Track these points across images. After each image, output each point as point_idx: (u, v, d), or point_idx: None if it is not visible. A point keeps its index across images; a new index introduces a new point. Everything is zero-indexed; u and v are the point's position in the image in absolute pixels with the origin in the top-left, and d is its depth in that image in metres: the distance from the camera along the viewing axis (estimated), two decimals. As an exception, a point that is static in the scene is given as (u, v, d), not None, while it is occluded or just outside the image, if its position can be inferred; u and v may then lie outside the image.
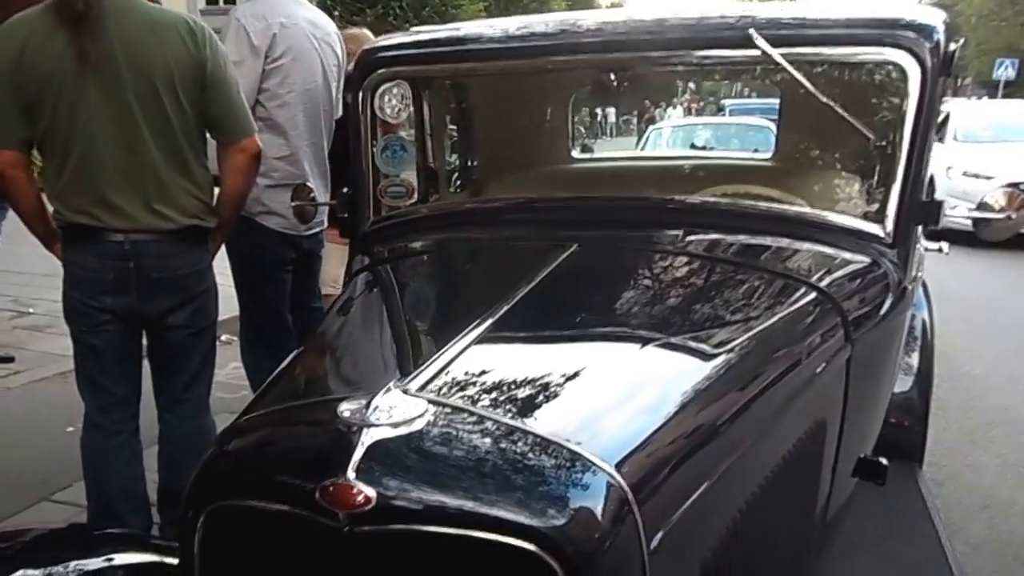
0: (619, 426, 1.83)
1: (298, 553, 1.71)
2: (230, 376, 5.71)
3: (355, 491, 1.58)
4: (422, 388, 1.78)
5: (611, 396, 1.94)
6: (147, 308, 3.48)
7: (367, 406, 1.69)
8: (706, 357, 2.19)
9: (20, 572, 2.14)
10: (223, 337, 5.44)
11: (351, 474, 1.59)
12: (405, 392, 1.74)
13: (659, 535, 1.71)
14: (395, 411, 1.68)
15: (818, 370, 2.43)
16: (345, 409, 1.71)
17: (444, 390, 1.80)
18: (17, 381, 6.32)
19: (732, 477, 2.01)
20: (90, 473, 3.69)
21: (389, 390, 1.73)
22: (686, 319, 2.43)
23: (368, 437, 1.63)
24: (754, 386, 2.19)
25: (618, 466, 1.67)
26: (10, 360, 6.67)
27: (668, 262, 2.77)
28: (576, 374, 1.97)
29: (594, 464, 1.65)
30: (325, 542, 1.63)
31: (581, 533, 1.59)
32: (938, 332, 4.38)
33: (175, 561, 2.04)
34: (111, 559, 2.26)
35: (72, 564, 2.19)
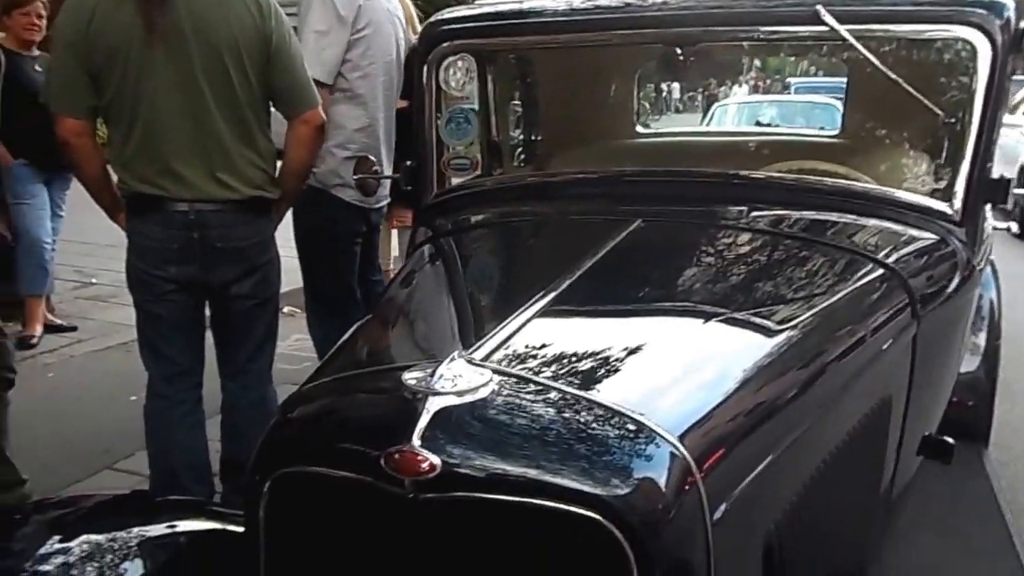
0: (683, 398, 1.83)
1: (363, 520, 1.72)
2: (292, 348, 5.75)
3: (420, 458, 1.58)
4: (486, 357, 1.78)
5: (674, 369, 1.94)
6: (210, 278, 3.50)
7: (432, 374, 1.69)
8: (770, 333, 2.18)
9: (83, 537, 2.16)
10: (285, 309, 5.46)
11: (416, 441, 1.59)
12: (470, 361, 1.74)
13: (723, 507, 1.71)
14: (460, 380, 1.68)
15: (884, 347, 2.42)
16: (410, 377, 1.72)
17: (508, 360, 1.80)
18: (80, 351, 6.41)
19: (796, 452, 2.01)
20: (153, 442, 3.73)
21: (454, 359, 1.73)
22: (750, 295, 2.41)
23: (433, 405, 1.64)
24: (818, 362, 2.18)
25: (682, 437, 1.67)
26: (73, 329, 6.76)
27: (733, 238, 2.76)
28: (639, 347, 1.97)
29: (658, 435, 1.65)
30: (390, 509, 1.64)
31: (645, 503, 1.60)
32: (1006, 314, 4.31)
33: (238, 529, 2.06)
34: (174, 526, 2.28)
35: (135, 530, 2.21)
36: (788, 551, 1.98)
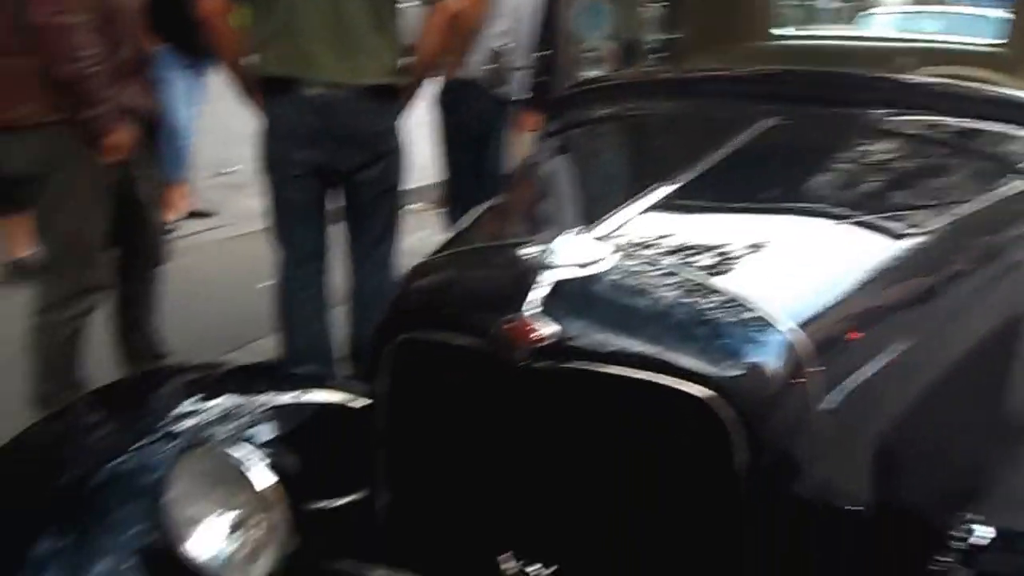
0: (803, 292, 1.83)
1: (478, 389, 1.76)
2: (420, 244, 5.80)
3: (535, 327, 1.61)
4: (606, 236, 1.79)
5: (797, 264, 1.93)
6: (339, 163, 3.57)
7: (551, 247, 1.70)
8: (898, 237, 2.16)
9: (217, 400, 2.25)
10: (415, 205, 5.50)
11: (531, 311, 1.62)
12: (589, 237, 1.75)
13: (833, 400, 1.72)
14: (579, 254, 1.69)
15: (1019, 261, 2.35)
16: (530, 249, 1.74)
17: (628, 240, 1.81)
18: (216, 237, 6.57)
19: (914, 358, 1.98)
20: (281, 324, 3.86)
21: (573, 233, 1.74)
22: (884, 198, 2.37)
23: (550, 276, 1.65)
24: (946, 271, 2.15)
25: (798, 327, 1.67)
26: (210, 216, 6.93)
27: (871, 140, 2.67)
28: (761, 240, 1.96)
29: (774, 323, 1.66)
30: (504, 378, 1.68)
31: (757, 387, 1.62)
32: None
33: (359, 405, 2.11)
34: (302, 394, 2.36)
35: (265, 397, 2.28)
36: (899, 457, 1.97)
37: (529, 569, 1.73)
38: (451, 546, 1.82)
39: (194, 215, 6.86)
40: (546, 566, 1.71)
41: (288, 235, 3.75)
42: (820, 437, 1.71)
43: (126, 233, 3.83)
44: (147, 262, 4.04)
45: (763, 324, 1.65)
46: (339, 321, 3.98)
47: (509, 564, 1.73)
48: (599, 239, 1.76)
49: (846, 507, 1.84)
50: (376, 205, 3.75)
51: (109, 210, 3.72)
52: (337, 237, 3.91)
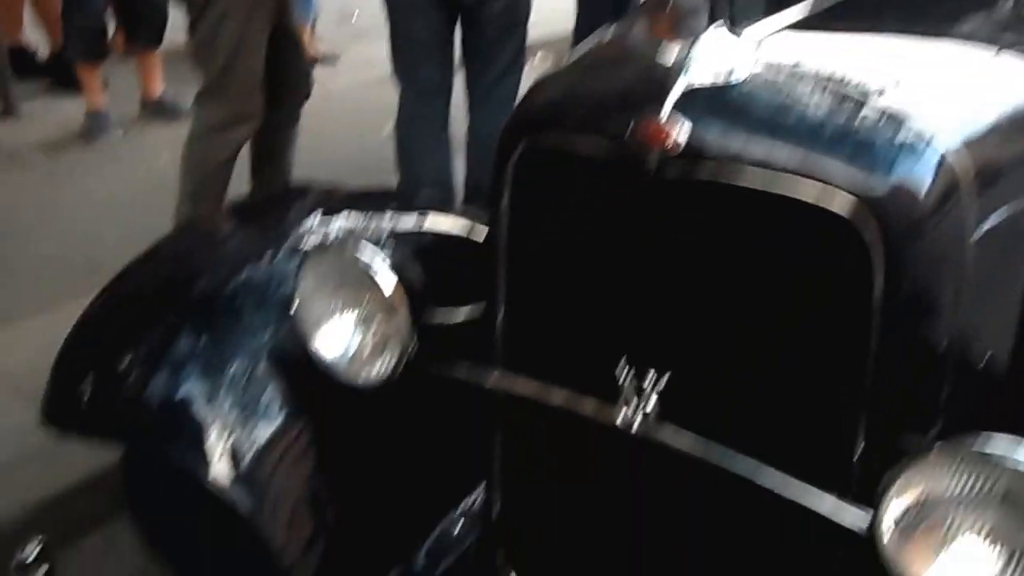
0: (965, 114, 1.70)
1: (605, 197, 1.66)
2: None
3: (670, 130, 1.51)
4: (751, 44, 1.65)
5: (956, 86, 1.80)
6: None
7: (690, 51, 1.57)
8: None
9: (346, 211, 2.27)
10: (538, 55, 5.40)
11: (665, 113, 1.51)
12: (733, 42, 1.61)
13: (986, 226, 1.62)
14: (720, 59, 1.57)
15: None
16: (666, 50, 1.63)
17: (774, 50, 1.69)
18: (338, 83, 6.55)
19: None
20: (401, 161, 3.86)
21: (715, 37, 1.60)
22: None
23: (689, 79, 1.54)
24: None
25: (955, 148, 1.55)
26: (334, 62, 6.93)
27: None
28: (922, 63, 1.85)
29: (932, 141, 1.53)
30: (634, 185, 1.58)
31: (908, 204, 1.50)
32: None
33: (479, 238, 2.09)
34: (425, 217, 2.37)
35: (387, 218, 2.29)
36: None
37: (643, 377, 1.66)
38: (567, 354, 1.77)
39: (317, 61, 6.85)
40: (660, 374, 1.64)
41: (411, 70, 3.72)
42: (967, 271, 1.60)
43: (275, 65, 3.84)
44: (295, 94, 4.06)
45: (920, 141, 1.52)
46: (458, 163, 3.98)
47: (624, 370, 1.67)
48: (743, 46, 1.62)
49: (983, 352, 1.76)
50: (500, 42, 3.70)
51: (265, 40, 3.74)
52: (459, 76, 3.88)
